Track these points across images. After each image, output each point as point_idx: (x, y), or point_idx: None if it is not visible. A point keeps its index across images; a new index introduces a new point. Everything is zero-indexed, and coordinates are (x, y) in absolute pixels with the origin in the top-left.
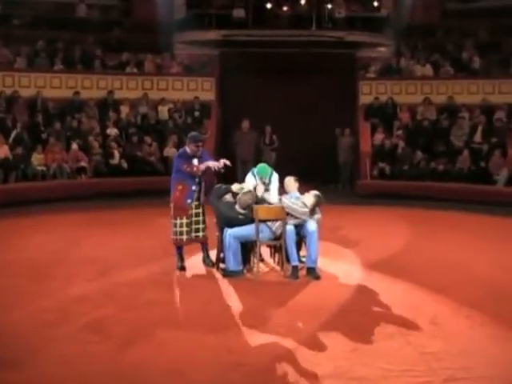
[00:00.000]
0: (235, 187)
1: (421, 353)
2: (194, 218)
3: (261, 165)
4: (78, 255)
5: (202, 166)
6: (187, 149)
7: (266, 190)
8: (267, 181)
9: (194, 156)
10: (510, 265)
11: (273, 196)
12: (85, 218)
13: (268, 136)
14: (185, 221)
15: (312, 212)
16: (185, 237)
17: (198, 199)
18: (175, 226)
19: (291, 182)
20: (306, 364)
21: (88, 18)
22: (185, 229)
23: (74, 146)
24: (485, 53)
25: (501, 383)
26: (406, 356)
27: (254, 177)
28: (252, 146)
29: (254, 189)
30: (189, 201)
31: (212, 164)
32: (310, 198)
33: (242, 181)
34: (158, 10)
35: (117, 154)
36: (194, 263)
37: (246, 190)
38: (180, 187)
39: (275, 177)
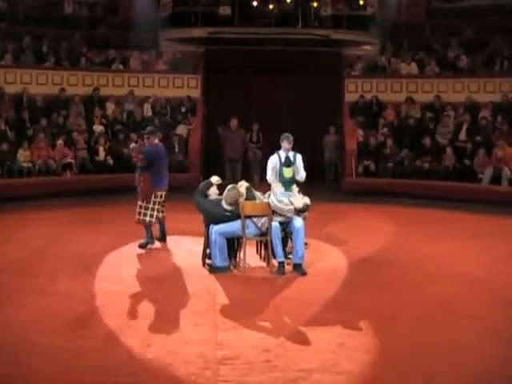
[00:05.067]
0: (214, 179)
1: (406, 347)
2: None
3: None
4: (64, 251)
5: None
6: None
7: (288, 165)
8: (290, 148)
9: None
10: (492, 262)
11: (301, 173)
12: (70, 214)
13: (255, 134)
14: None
15: (297, 213)
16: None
17: None
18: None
19: (277, 185)
20: (293, 358)
21: (74, 15)
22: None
23: (60, 142)
24: (470, 52)
25: (486, 377)
26: (392, 350)
27: (279, 156)
28: (240, 145)
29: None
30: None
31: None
32: (299, 201)
33: (229, 179)
34: (144, 7)
35: (102, 151)
36: (181, 258)
37: (230, 186)
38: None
39: (299, 156)
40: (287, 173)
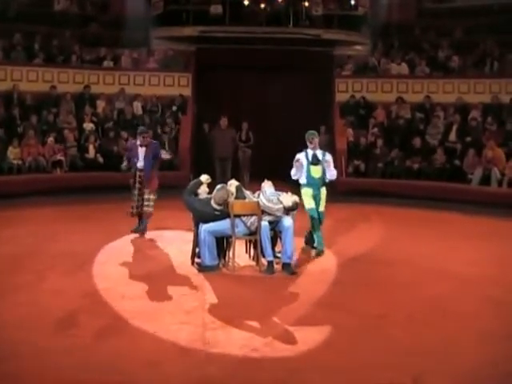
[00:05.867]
0: (204, 178)
1: (396, 346)
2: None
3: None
4: (54, 249)
5: None
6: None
7: (316, 163)
8: (315, 146)
9: (141, 145)
10: (482, 262)
11: (331, 171)
12: (60, 212)
13: (244, 133)
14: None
15: (287, 211)
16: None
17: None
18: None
19: (267, 184)
20: (281, 358)
21: (65, 13)
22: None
23: (50, 139)
24: (460, 52)
25: (474, 377)
26: (381, 349)
27: (306, 154)
28: (230, 143)
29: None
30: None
31: None
32: (288, 199)
33: (219, 178)
34: (135, 4)
35: (92, 149)
36: (170, 257)
37: (219, 186)
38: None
39: (329, 155)
40: (315, 172)
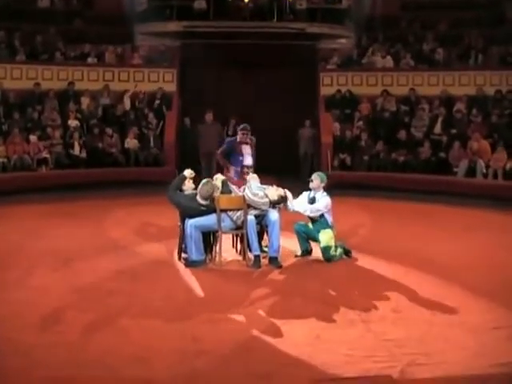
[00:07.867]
0: (188, 172)
1: (382, 339)
2: None
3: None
4: (40, 246)
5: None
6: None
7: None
8: (316, 187)
9: (241, 142)
10: (467, 254)
11: (305, 206)
12: (46, 209)
13: (232, 127)
14: None
15: (273, 205)
16: None
17: None
18: None
19: (253, 177)
20: (268, 351)
21: (49, 9)
22: None
23: (34, 137)
24: (445, 45)
25: (461, 369)
26: (367, 342)
27: (309, 194)
28: (216, 138)
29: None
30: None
31: None
32: (273, 193)
33: (205, 173)
34: (120, 1)
35: (77, 146)
36: (157, 252)
37: (205, 180)
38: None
39: (325, 199)
40: None
